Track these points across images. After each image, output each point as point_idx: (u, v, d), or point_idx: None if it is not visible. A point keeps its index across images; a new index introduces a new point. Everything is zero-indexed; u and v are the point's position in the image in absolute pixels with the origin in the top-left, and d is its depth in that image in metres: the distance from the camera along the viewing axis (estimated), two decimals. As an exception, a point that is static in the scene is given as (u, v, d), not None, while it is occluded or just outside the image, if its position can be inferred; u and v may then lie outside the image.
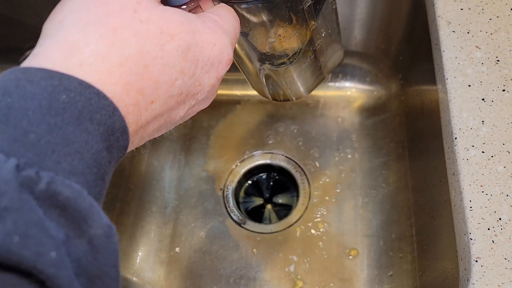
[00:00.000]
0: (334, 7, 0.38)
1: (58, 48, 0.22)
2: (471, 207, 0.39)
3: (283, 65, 0.39)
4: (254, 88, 0.44)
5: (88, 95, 0.21)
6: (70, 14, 0.23)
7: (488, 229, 0.38)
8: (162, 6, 0.25)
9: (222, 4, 0.30)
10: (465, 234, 0.38)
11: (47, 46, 0.22)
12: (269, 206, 0.65)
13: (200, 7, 0.30)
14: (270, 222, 0.64)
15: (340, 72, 0.71)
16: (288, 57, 0.38)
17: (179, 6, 0.29)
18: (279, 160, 0.67)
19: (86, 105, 0.21)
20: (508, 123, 0.42)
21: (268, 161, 0.66)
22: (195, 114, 0.30)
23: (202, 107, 0.30)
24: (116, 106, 0.22)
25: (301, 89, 0.44)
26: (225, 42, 0.27)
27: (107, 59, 0.22)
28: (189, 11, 0.29)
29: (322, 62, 0.42)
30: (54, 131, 0.20)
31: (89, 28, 0.22)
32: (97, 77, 0.22)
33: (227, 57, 0.28)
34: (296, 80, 0.42)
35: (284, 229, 0.62)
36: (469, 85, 0.45)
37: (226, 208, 0.63)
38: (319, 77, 0.45)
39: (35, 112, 0.20)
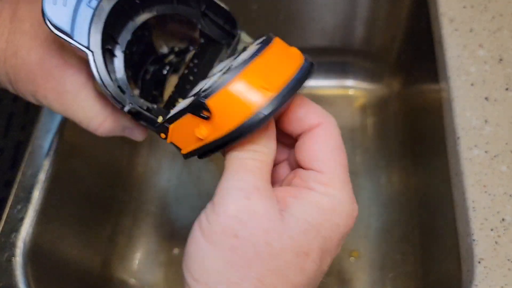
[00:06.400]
0: None
1: None
2: (474, 208, 0.38)
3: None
4: None
5: None
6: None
7: (492, 229, 0.38)
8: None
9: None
10: (468, 235, 0.38)
11: None
12: (270, 207, 0.65)
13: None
14: (271, 223, 0.63)
15: (342, 70, 0.71)
16: None
17: None
18: (280, 160, 0.66)
19: None
20: (512, 122, 0.42)
21: (269, 161, 0.66)
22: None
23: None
24: None
25: None
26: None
27: None
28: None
29: None
30: None
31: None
32: None
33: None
34: None
35: (285, 229, 0.61)
36: (472, 84, 0.44)
37: (226, 208, 0.63)
38: None
39: None
